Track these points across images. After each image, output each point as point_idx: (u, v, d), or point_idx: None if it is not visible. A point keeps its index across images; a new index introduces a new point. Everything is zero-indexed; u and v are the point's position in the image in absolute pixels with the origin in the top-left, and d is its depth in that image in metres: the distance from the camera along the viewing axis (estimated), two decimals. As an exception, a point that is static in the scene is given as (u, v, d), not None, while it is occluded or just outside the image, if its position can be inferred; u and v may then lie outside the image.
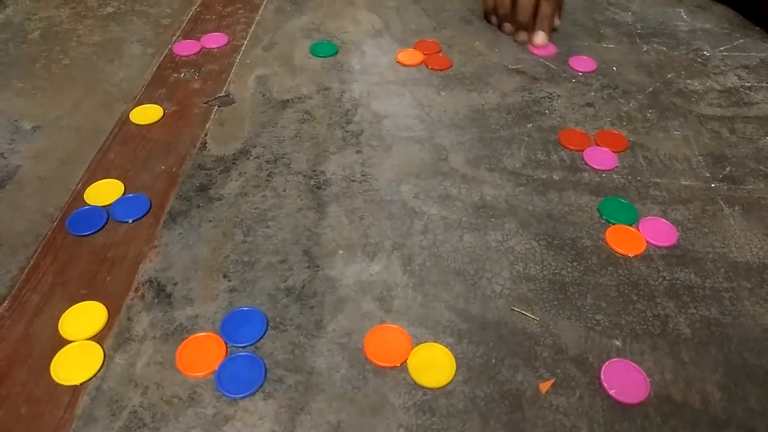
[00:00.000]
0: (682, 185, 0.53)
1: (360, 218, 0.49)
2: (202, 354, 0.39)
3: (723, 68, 0.68)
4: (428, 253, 0.46)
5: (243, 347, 0.40)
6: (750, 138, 0.58)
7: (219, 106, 0.60)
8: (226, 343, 0.40)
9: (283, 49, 0.68)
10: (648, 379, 0.39)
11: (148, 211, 0.49)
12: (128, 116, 0.58)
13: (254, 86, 0.63)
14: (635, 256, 0.47)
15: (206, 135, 0.57)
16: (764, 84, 0.65)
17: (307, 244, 0.47)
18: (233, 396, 0.37)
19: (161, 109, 0.59)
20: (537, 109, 0.61)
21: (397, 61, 0.67)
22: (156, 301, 0.42)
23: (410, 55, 0.67)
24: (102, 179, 0.51)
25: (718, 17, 0.77)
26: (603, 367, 0.39)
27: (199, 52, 0.67)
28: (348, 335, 0.41)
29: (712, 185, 0.53)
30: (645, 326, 0.42)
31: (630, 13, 0.77)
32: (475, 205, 0.50)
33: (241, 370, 0.38)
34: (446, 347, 0.40)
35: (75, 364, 0.38)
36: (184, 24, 0.72)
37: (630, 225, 0.49)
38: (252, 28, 0.72)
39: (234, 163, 0.54)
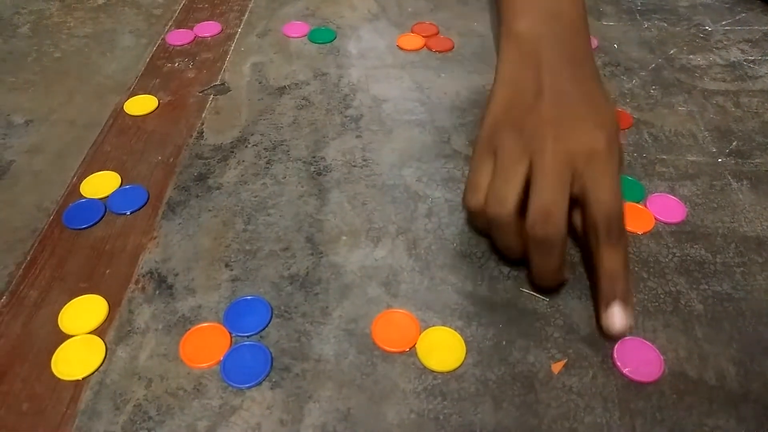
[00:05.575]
0: (688, 161, 0.52)
1: (362, 203, 0.48)
2: (206, 344, 0.38)
3: (726, 42, 0.67)
4: (433, 237, 0.45)
5: (248, 336, 0.39)
6: (756, 112, 0.57)
7: (215, 95, 0.59)
8: (230, 332, 0.39)
9: (278, 36, 0.67)
10: (662, 357, 0.38)
11: (146, 203, 0.48)
12: (123, 107, 0.57)
13: (250, 74, 0.61)
14: (644, 233, 0.46)
15: (203, 124, 0.55)
16: (768, 57, 0.64)
17: (310, 231, 0.46)
18: (239, 386, 0.36)
19: (156, 99, 0.58)
20: (538, 89, 0.60)
21: (398, 47, 0.65)
22: (157, 292, 0.42)
23: (410, 40, 0.66)
24: (98, 171, 0.50)
25: (718, -8, 0.76)
26: (616, 346, 0.38)
27: (192, 41, 0.66)
28: (354, 321, 0.40)
29: (719, 160, 0.52)
30: (657, 303, 0.41)
31: (629, -10, 0.76)
32: (479, 186, 0.49)
33: (246, 360, 0.38)
34: (455, 330, 0.39)
35: (76, 358, 0.38)
36: (177, 13, 0.71)
37: (637, 202, 0.48)
38: (246, 16, 0.71)
39: (232, 152, 0.53)
